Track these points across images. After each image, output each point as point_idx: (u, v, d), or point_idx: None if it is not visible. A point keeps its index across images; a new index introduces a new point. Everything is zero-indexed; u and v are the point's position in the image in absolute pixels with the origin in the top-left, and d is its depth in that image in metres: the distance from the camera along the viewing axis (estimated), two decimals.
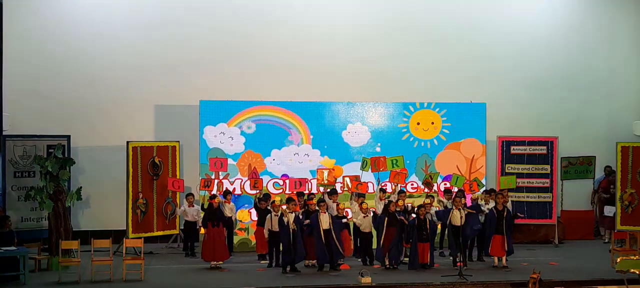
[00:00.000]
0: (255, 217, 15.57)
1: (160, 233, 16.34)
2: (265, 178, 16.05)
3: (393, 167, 15.28)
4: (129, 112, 17.48)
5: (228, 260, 14.49)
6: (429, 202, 14.78)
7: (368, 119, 16.85)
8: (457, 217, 14.17)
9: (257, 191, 15.33)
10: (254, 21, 17.91)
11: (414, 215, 14.31)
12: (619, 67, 19.46)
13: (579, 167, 18.09)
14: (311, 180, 15.94)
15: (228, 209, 15.04)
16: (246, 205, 16.13)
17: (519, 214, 15.32)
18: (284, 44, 17.98)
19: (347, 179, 15.56)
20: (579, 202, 18.36)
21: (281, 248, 14.08)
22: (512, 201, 16.03)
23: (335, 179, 15.60)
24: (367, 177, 15.82)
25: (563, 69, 19.07)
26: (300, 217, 13.94)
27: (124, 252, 14.11)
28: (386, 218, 14.09)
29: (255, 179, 15.49)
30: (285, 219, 13.68)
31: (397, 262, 14.19)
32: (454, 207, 14.28)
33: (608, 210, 17.10)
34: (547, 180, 17.25)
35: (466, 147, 16.99)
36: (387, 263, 14.16)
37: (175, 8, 17.79)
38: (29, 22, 17.11)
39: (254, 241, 15.62)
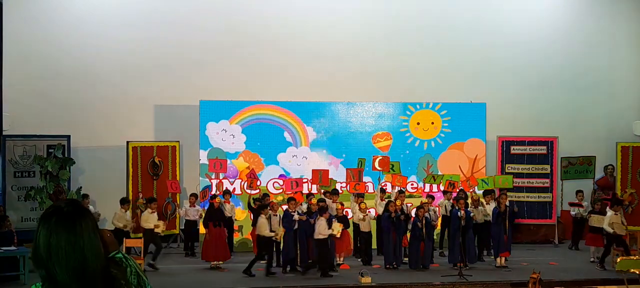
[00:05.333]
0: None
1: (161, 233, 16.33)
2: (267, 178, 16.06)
3: (390, 170, 15.26)
4: (129, 112, 17.49)
5: (228, 260, 14.47)
6: (428, 202, 14.76)
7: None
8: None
9: (256, 191, 15.28)
10: (255, 21, 17.93)
11: (413, 215, 14.30)
12: (619, 67, 19.47)
13: (579, 167, 18.05)
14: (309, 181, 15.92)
15: (228, 209, 15.03)
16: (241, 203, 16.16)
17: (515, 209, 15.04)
18: (284, 44, 17.99)
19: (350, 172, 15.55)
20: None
21: (281, 248, 14.07)
22: (511, 201, 15.97)
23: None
24: (367, 176, 15.82)
25: (563, 69, 19.08)
26: (308, 218, 13.86)
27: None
28: (389, 218, 14.06)
29: (251, 179, 15.43)
30: (293, 214, 13.63)
31: (400, 262, 14.21)
32: (459, 209, 14.15)
33: (573, 210, 16.50)
34: (547, 180, 17.25)
35: (469, 147, 16.99)
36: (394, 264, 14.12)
37: (176, 8, 17.81)
38: (29, 23, 17.12)
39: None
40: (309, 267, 13.57)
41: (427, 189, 15.89)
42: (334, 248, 14.00)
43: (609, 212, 14.25)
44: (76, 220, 2.82)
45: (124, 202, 14.74)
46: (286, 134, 16.59)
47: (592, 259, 14.64)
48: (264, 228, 13.43)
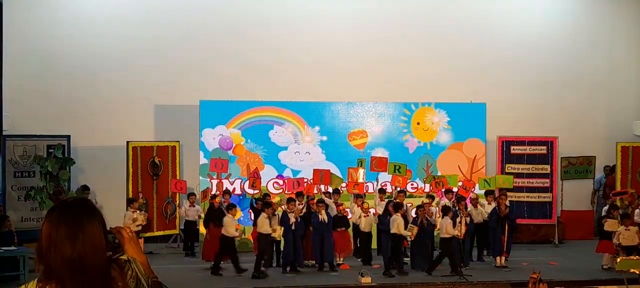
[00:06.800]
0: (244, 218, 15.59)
1: (160, 233, 16.36)
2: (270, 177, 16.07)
3: (395, 172, 15.22)
4: (129, 112, 17.49)
5: (228, 260, 14.44)
6: (428, 202, 14.74)
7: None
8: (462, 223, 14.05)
9: (257, 191, 15.27)
10: (255, 22, 17.93)
11: (413, 215, 14.29)
12: (619, 67, 19.48)
13: (579, 167, 18.05)
14: (309, 180, 15.88)
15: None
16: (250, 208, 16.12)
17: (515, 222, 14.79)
18: (284, 44, 18.00)
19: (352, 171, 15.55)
20: (579, 202, 18.34)
21: (281, 248, 14.07)
22: (511, 201, 15.98)
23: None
24: (367, 177, 15.81)
25: (563, 69, 19.08)
26: (298, 219, 13.87)
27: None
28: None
29: (254, 179, 15.43)
30: (290, 216, 13.64)
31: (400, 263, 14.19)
32: (460, 212, 14.09)
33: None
34: (547, 180, 17.24)
35: (468, 147, 16.99)
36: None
37: (176, 8, 17.81)
38: (29, 22, 17.12)
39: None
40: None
41: (427, 189, 15.88)
42: (332, 247, 14.02)
43: (621, 227, 13.81)
44: (79, 214, 2.84)
45: (229, 208, 13.77)
46: (285, 132, 16.53)
47: (605, 266, 14.08)
48: (401, 226, 13.46)
